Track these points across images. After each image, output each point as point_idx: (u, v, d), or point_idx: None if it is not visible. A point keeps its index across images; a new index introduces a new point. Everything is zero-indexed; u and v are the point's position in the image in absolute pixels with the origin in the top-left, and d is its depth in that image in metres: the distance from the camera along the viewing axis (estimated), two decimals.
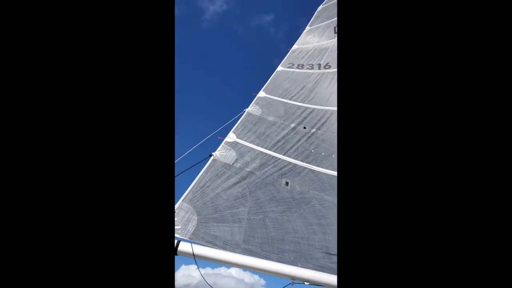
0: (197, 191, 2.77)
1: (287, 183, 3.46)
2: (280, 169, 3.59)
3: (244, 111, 4.15)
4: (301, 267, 2.58)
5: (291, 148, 3.96)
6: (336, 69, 5.44)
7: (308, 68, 5.68)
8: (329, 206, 3.34)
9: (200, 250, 2.29)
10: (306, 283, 2.54)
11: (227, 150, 3.35)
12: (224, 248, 2.50)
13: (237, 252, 2.52)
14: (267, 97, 4.71)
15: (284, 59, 5.95)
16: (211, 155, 3.14)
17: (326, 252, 2.92)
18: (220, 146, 3.35)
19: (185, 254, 2.25)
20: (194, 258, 2.25)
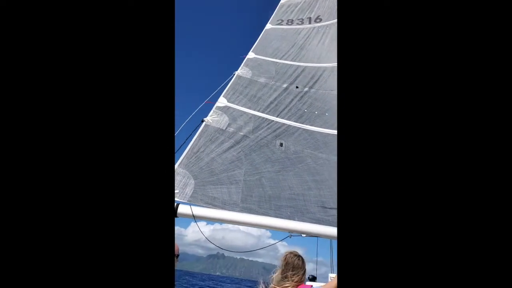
0: (191, 157, 2.81)
1: (281, 144, 3.50)
2: (274, 131, 3.61)
3: (234, 74, 4.04)
4: (298, 221, 2.72)
5: (284, 109, 3.93)
6: (327, 22, 5.19)
7: (298, 24, 5.42)
8: (323, 164, 3.42)
9: (200, 211, 2.39)
10: (303, 235, 2.70)
11: (219, 115, 3.33)
12: (223, 208, 2.61)
13: (236, 211, 2.63)
14: (256, 58, 4.56)
15: (273, 16, 5.64)
16: (203, 121, 3.13)
17: (322, 206, 3.05)
18: (212, 111, 3.32)
19: (185, 215, 2.35)
20: (194, 219, 2.36)
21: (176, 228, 1.96)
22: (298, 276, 2.01)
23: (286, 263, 2.08)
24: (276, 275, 2.08)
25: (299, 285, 1.99)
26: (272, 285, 2.05)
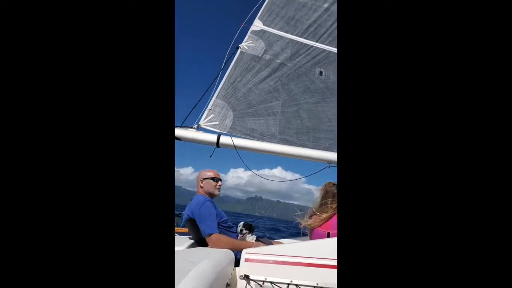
0: (228, 87, 2.72)
1: (321, 73, 3.25)
2: (313, 57, 3.31)
3: None
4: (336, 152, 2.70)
5: (324, 33, 3.52)
6: None
7: None
8: None
9: (240, 141, 2.42)
10: None
11: (255, 41, 3.06)
12: (261, 140, 2.62)
13: (274, 142, 2.63)
14: None
15: None
16: (238, 48, 2.92)
17: None
18: (247, 36, 3.05)
19: (226, 146, 2.40)
20: (236, 149, 2.41)
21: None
22: (336, 203, 2.08)
23: (326, 191, 2.14)
24: (315, 203, 2.16)
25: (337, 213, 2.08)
26: (311, 212, 2.15)
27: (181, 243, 1.86)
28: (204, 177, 2.04)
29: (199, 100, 2.63)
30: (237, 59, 2.87)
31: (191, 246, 1.88)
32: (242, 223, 2.04)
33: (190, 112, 2.58)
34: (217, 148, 2.44)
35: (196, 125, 2.45)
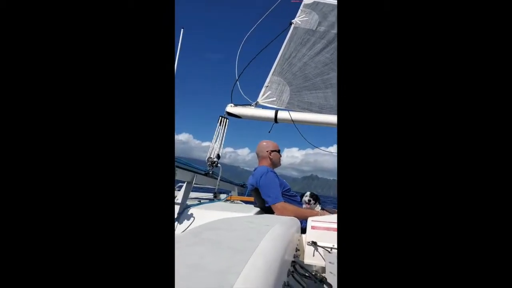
0: (284, 64, 2.75)
1: None
2: None
3: None
4: None
5: None
6: None
7: None
8: None
9: (298, 115, 2.45)
10: None
11: (308, 14, 3.00)
12: (320, 113, 2.59)
13: (333, 113, 2.58)
14: None
15: None
16: (291, 24, 2.90)
17: None
18: (299, 11, 3.01)
19: (284, 120, 2.46)
20: (294, 123, 2.45)
21: None
22: None
23: None
24: None
25: None
26: None
27: (249, 211, 2.02)
28: (272, 149, 2.15)
29: (239, 76, 2.72)
30: (291, 35, 2.87)
31: (258, 213, 2.01)
32: (308, 193, 2.08)
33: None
34: (275, 124, 2.52)
35: (254, 103, 2.57)
